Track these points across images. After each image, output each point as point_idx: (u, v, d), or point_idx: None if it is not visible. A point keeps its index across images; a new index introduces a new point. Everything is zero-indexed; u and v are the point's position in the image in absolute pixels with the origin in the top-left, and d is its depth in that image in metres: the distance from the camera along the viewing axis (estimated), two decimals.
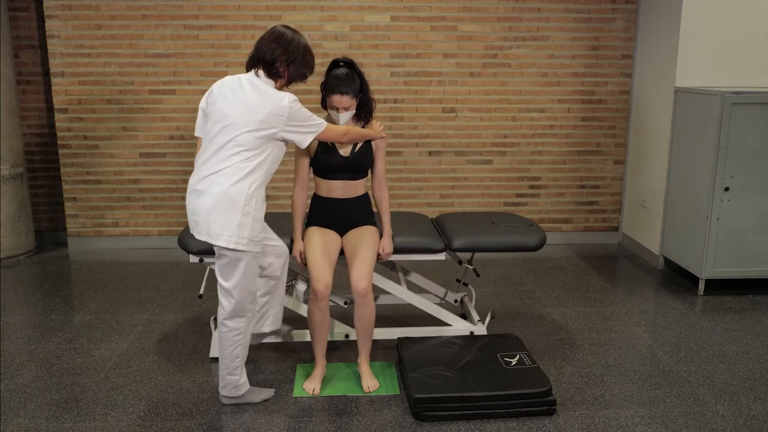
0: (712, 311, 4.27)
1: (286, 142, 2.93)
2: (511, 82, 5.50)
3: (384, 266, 3.95)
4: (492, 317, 3.95)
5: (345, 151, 3.26)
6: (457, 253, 3.84)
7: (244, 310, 2.95)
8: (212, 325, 3.62)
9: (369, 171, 3.37)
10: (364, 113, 3.28)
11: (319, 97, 3.35)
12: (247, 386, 3.09)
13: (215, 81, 5.30)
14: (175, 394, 3.20)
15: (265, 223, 3.13)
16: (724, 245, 4.44)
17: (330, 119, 3.29)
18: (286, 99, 2.80)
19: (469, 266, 3.86)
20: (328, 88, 3.16)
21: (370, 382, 3.24)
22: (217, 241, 2.78)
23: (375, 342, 3.67)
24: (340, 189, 3.30)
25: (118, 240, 5.59)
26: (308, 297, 3.57)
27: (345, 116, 3.20)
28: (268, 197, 5.41)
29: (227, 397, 3.06)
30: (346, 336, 3.64)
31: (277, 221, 3.55)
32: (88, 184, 5.49)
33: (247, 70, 2.93)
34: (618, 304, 4.38)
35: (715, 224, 4.41)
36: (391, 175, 5.54)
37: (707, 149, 4.40)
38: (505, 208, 5.72)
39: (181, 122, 5.42)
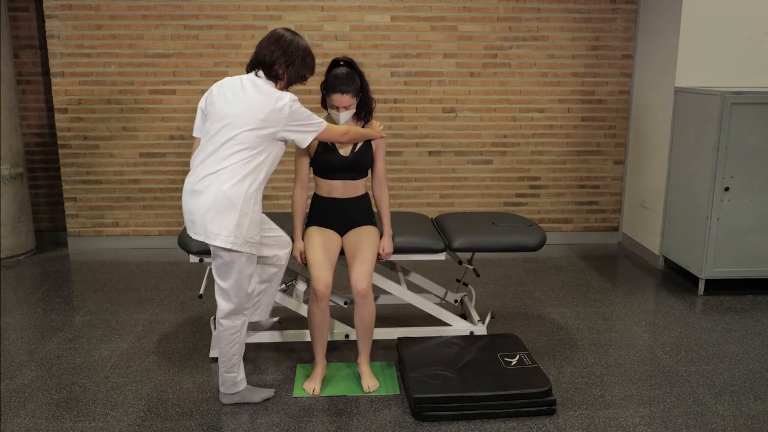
0: (712, 311, 4.27)
1: (285, 141, 2.93)
2: (511, 82, 5.50)
3: (384, 266, 3.95)
4: (492, 317, 3.95)
5: (345, 151, 3.26)
6: (457, 253, 3.84)
7: (241, 309, 2.95)
8: (212, 326, 3.63)
9: (369, 171, 3.37)
10: (364, 113, 3.29)
11: (319, 96, 3.35)
12: (245, 383, 3.10)
13: (215, 81, 5.32)
14: (175, 394, 3.20)
15: (266, 216, 3.14)
16: (724, 245, 4.44)
17: (330, 119, 3.29)
18: (287, 98, 2.81)
19: (469, 266, 3.86)
20: (329, 88, 3.16)
21: (370, 382, 3.24)
22: (214, 241, 2.78)
23: (375, 342, 3.66)
24: (340, 189, 3.30)
25: (118, 240, 5.59)
26: (308, 297, 3.57)
27: (345, 115, 3.20)
28: (268, 197, 5.41)
29: (227, 395, 3.06)
30: (346, 336, 3.64)
31: (277, 221, 3.55)
32: (88, 184, 5.49)
33: (248, 73, 2.93)
34: (618, 304, 4.38)
35: (715, 224, 4.41)
36: (391, 175, 5.54)
37: (707, 149, 4.40)
38: (505, 208, 5.73)
39: (181, 122, 5.42)
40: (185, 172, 5.48)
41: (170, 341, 3.78)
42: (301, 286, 3.68)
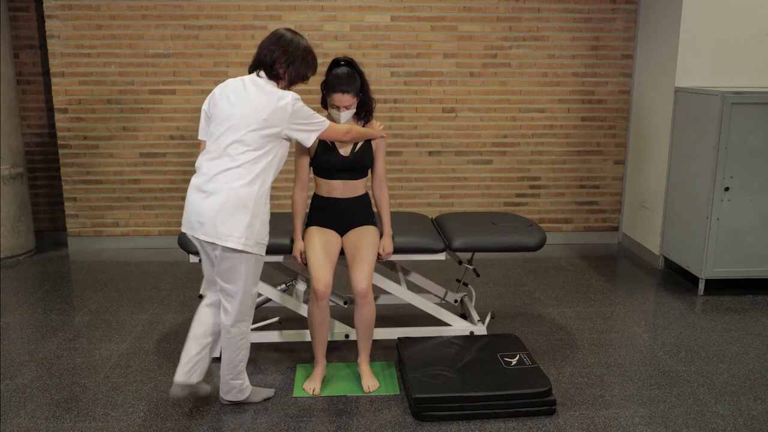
0: (712, 311, 4.27)
1: (290, 140, 2.93)
2: (511, 82, 5.50)
3: (384, 266, 3.95)
4: (492, 317, 3.95)
5: (345, 151, 3.26)
6: (457, 253, 3.84)
7: (247, 313, 2.94)
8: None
9: (369, 171, 3.37)
10: (364, 112, 3.29)
11: (319, 96, 3.35)
12: (250, 388, 3.09)
13: (215, 81, 5.36)
14: None
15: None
16: (724, 245, 4.44)
17: (330, 119, 3.29)
18: (289, 97, 2.81)
19: (469, 266, 3.86)
20: (329, 87, 3.16)
21: (370, 382, 3.24)
22: (226, 243, 2.75)
23: (375, 342, 3.67)
24: (340, 189, 3.30)
25: (118, 240, 5.59)
26: (308, 297, 3.57)
27: (346, 115, 3.20)
28: None
29: (225, 399, 3.06)
30: (346, 336, 3.64)
31: (277, 221, 3.55)
32: (88, 184, 5.49)
33: (250, 74, 2.93)
34: (618, 304, 4.38)
35: (715, 224, 4.41)
36: (391, 175, 5.54)
37: (707, 149, 4.40)
38: (505, 208, 5.73)
39: (181, 122, 5.42)
40: (185, 172, 5.48)
41: (170, 341, 3.78)
42: (301, 286, 3.68)
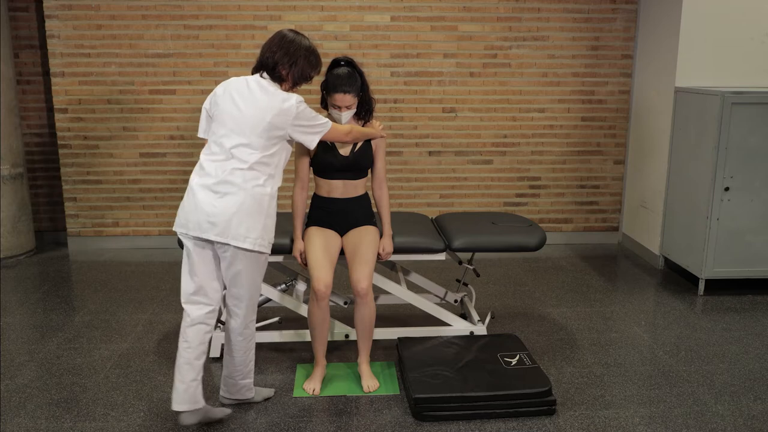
0: (712, 311, 4.27)
1: (292, 142, 2.91)
2: (511, 82, 5.50)
3: (384, 266, 3.95)
4: (492, 317, 3.95)
5: (345, 151, 3.26)
6: (457, 253, 3.84)
7: (254, 311, 2.93)
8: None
9: (369, 171, 3.37)
10: (364, 112, 3.29)
11: (319, 96, 3.35)
12: (254, 388, 3.10)
13: (215, 81, 5.36)
14: None
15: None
16: (724, 245, 4.44)
17: (331, 119, 3.29)
18: (293, 99, 2.79)
19: (469, 266, 3.86)
20: (330, 87, 3.16)
21: (370, 382, 3.24)
22: (243, 244, 2.71)
23: (375, 342, 3.67)
24: (340, 189, 3.29)
25: (118, 240, 5.59)
26: (308, 297, 3.57)
27: (347, 115, 3.20)
28: None
29: (227, 398, 3.06)
30: (346, 336, 3.63)
31: (277, 221, 3.55)
32: (88, 184, 5.49)
33: (253, 75, 2.90)
34: (618, 304, 4.38)
35: (715, 224, 4.41)
36: (391, 175, 5.54)
37: (707, 149, 4.40)
38: (505, 208, 5.73)
39: (181, 122, 5.42)
40: (185, 172, 5.48)
41: (170, 341, 3.78)
42: (301, 286, 3.68)
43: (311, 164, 3.30)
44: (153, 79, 5.34)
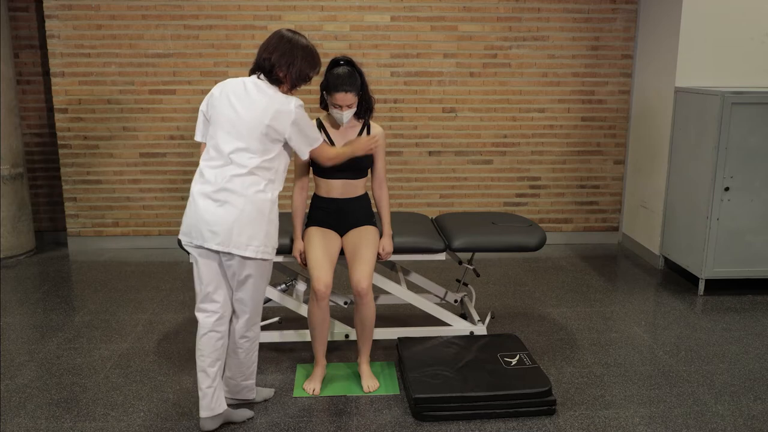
0: (712, 311, 4.27)
1: (289, 147, 2.85)
2: (511, 82, 5.50)
3: (384, 266, 3.95)
4: (492, 317, 3.95)
5: None
6: (457, 253, 3.84)
7: (258, 314, 2.91)
8: None
9: (369, 171, 3.37)
10: (364, 110, 3.28)
11: (318, 96, 3.35)
12: (255, 389, 3.10)
13: (215, 81, 5.36)
14: (175, 394, 3.20)
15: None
16: (724, 245, 4.44)
17: (331, 118, 3.29)
18: (292, 103, 2.72)
19: (469, 266, 3.86)
20: (330, 87, 3.15)
21: (370, 382, 3.24)
22: (245, 252, 2.66)
23: (375, 342, 3.67)
24: (339, 189, 3.29)
25: (118, 240, 5.59)
26: (308, 297, 3.57)
27: (348, 114, 3.19)
28: None
29: (229, 398, 3.04)
30: (346, 336, 3.64)
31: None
32: (88, 184, 5.49)
33: (250, 75, 2.83)
34: (618, 304, 4.38)
35: (715, 224, 4.41)
36: (391, 175, 5.54)
37: (707, 149, 4.40)
38: (505, 208, 5.73)
39: (181, 122, 5.42)
40: (185, 172, 5.48)
41: (170, 341, 3.78)
42: (301, 286, 3.68)
43: (311, 164, 3.30)
44: (153, 79, 5.34)
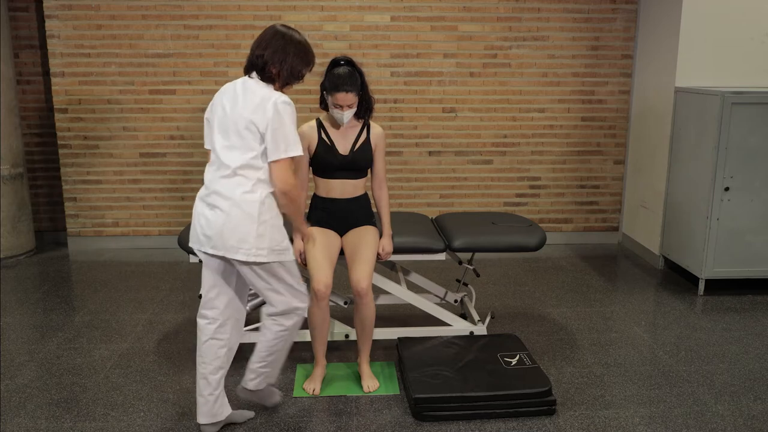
0: (712, 311, 4.27)
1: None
2: (511, 82, 5.50)
3: (384, 266, 3.95)
4: (492, 317, 3.95)
5: (344, 150, 3.26)
6: (457, 253, 3.84)
7: (293, 308, 2.77)
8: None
9: (368, 171, 3.37)
10: (364, 110, 3.28)
11: (317, 97, 3.35)
12: (277, 392, 3.00)
13: (215, 81, 5.37)
14: (175, 394, 3.20)
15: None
16: (724, 245, 4.44)
17: (331, 118, 3.29)
18: (274, 97, 2.59)
19: (469, 266, 3.86)
20: (331, 87, 3.14)
21: (370, 382, 3.24)
22: (235, 256, 2.58)
23: (375, 342, 3.67)
24: (339, 189, 3.30)
25: (118, 240, 5.59)
26: (308, 297, 3.57)
27: (348, 114, 3.19)
28: None
29: (247, 390, 2.91)
30: (346, 336, 3.64)
31: None
32: (88, 184, 5.49)
33: (245, 75, 2.76)
34: (618, 304, 4.38)
35: (715, 224, 4.41)
36: (391, 175, 5.54)
37: (707, 149, 4.40)
38: (505, 208, 5.73)
39: (181, 122, 5.42)
40: (185, 172, 5.49)
41: (170, 341, 3.78)
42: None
43: (310, 164, 3.30)
44: (153, 79, 5.34)
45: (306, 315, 2.86)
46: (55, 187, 5.66)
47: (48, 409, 3.06)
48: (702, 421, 2.98)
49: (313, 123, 3.29)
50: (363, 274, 3.12)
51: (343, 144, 3.26)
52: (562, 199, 5.74)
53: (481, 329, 3.69)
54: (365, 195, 3.39)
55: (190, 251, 3.36)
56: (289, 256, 2.73)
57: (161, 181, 5.51)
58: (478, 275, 3.89)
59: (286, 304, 2.76)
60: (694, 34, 4.76)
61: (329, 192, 3.30)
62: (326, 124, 3.29)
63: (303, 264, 3.29)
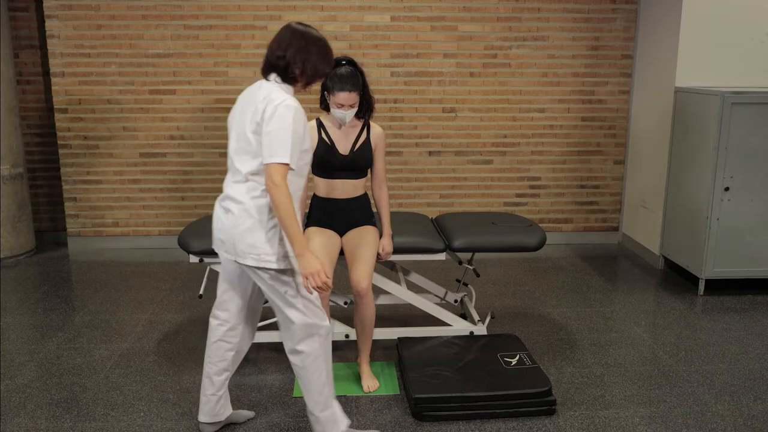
0: (712, 311, 4.27)
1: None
2: (511, 82, 5.50)
3: (384, 266, 3.95)
4: (492, 317, 3.95)
5: (344, 149, 3.26)
6: (457, 253, 3.84)
7: (313, 326, 2.59)
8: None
9: (368, 171, 3.37)
10: (364, 110, 3.29)
11: (317, 96, 3.35)
12: (346, 419, 2.73)
13: (215, 81, 5.37)
14: (175, 394, 3.20)
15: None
16: (724, 245, 4.44)
17: (331, 118, 3.29)
18: (280, 98, 2.45)
19: (469, 266, 3.86)
20: (333, 87, 3.14)
21: (370, 382, 3.24)
22: (245, 261, 2.53)
23: (375, 342, 3.67)
24: (339, 189, 3.30)
25: (118, 240, 5.59)
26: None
27: (350, 113, 3.19)
28: None
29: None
30: (346, 336, 3.64)
31: None
32: (88, 184, 5.49)
33: (264, 76, 2.63)
34: (618, 304, 4.38)
35: (715, 224, 4.41)
36: (391, 175, 5.54)
37: (707, 149, 4.40)
38: (505, 208, 5.73)
39: (181, 122, 5.42)
40: (185, 172, 5.49)
41: (170, 341, 3.78)
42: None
43: (310, 164, 3.30)
44: (153, 79, 5.34)
45: (330, 336, 2.66)
46: (55, 187, 5.66)
47: (48, 409, 3.06)
48: (702, 421, 2.98)
49: (314, 123, 3.29)
50: (363, 274, 3.12)
51: (344, 144, 3.26)
52: (562, 199, 5.74)
53: (481, 329, 3.69)
54: (365, 195, 3.39)
55: (190, 251, 3.37)
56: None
57: (161, 181, 5.51)
58: (478, 275, 3.89)
59: (304, 320, 2.58)
60: (694, 34, 4.76)
61: (329, 192, 3.30)
62: (326, 124, 3.29)
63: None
